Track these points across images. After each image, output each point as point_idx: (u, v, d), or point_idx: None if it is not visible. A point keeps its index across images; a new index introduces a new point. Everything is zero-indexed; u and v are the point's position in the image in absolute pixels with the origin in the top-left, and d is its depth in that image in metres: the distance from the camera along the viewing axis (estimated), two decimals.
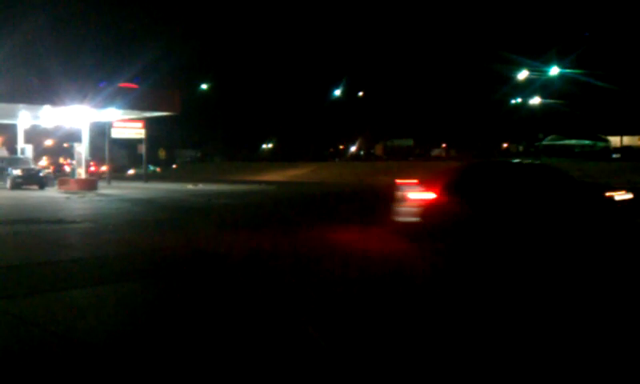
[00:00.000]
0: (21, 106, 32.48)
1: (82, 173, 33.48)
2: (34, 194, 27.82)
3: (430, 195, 11.93)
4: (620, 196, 12.26)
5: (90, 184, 32.21)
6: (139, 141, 46.68)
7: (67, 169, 41.17)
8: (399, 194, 12.47)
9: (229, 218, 17.84)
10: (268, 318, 6.37)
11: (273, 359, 5.09)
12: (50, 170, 39.73)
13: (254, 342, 5.55)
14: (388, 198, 13.27)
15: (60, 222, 15.70)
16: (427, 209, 11.81)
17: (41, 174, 33.06)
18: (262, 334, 5.79)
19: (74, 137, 37.64)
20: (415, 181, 12.87)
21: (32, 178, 32.33)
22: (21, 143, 37.91)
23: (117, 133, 42.13)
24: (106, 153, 43.16)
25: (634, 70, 57.08)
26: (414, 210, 12.00)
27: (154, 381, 4.64)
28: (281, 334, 5.75)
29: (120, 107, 33.65)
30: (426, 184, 12.39)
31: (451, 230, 11.43)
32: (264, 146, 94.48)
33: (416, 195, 12.02)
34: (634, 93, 57.23)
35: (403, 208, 12.30)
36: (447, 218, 11.48)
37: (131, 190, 32.93)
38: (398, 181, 13.35)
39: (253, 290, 7.77)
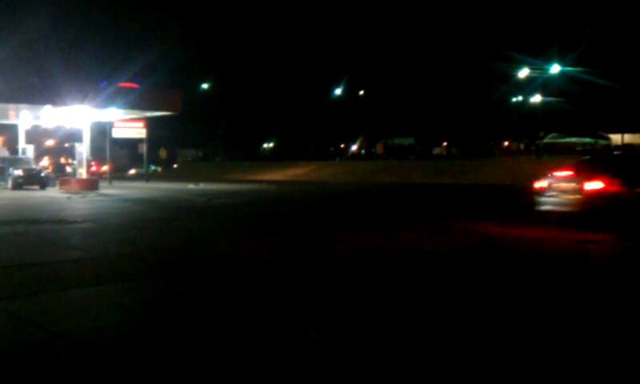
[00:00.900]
0: (22, 106, 32.51)
1: (83, 173, 33.51)
2: (35, 194, 27.84)
3: (596, 185, 12.37)
4: None
5: (91, 184, 32.24)
6: (140, 140, 46.73)
7: (68, 169, 41.17)
8: (560, 185, 13.15)
9: (229, 219, 17.85)
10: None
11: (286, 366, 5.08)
12: (49, 170, 39.73)
13: (260, 346, 5.54)
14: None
15: (61, 222, 15.70)
16: (594, 198, 12.33)
17: (42, 174, 33.10)
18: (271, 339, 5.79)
19: (75, 137, 37.66)
20: (570, 172, 13.45)
21: (33, 178, 32.37)
22: (22, 143, 37.95)
23: (118, 133, 42.17)
24: (107, 152, 43.19)
25: (635, 68, 56.99)
26: (574, 199, 12.66)
27: (157, 382, 4.64)
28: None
29: (121, 107, 33.68)
30: (586, 174, 12.88)
31: (630, 220, 11.92)
32: (265, 145, 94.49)
33: (591, 185, 12.52)
34: (635, 90, 57.15)
35: (557, 198, 13.00)
36: (623, 207, 12.01)
37: (132, 189, 32.94)
38: (551, 172, 14.06)
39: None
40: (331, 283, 8.02)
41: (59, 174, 39.62)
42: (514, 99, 67.78)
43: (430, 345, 5.40)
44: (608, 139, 63.85)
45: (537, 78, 55.43)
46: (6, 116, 36.40)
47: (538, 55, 51.12)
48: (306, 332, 5.64)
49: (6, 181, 32.14)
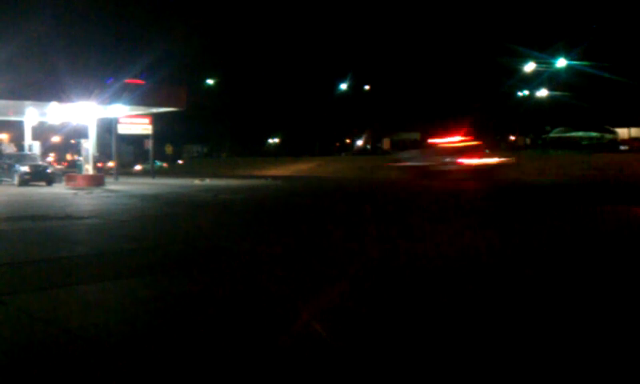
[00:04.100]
0: (28, 102, 32.58)
1: (89, 169, 33.58)
2: (41, 191, 27.91)
3: None
4: None
5: (97, 180, 32.31)
6: (146, 136, 46.77)
7: (57, 165, 41.26)
8: None
9: (236, 215, 17.85)
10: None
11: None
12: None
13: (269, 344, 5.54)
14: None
15: (68, 218, 15.73)
16: None
17: (48, 171, 33.22)
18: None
19: (81, 133, 37.74)
20: None
21: (39, 175, 32.48)
22: (28, 140, 38.05)
23: (123, 129, 42.23)
24: (113, 149, 43.27)
25: None
26: None
27: (165, 379, 4.63)
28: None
29: (127, 103, 33.71)
30: None
31: None
32: (270, 140, 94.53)
33: None
34: None
35: None
36: None
37: (138, 185, 33.00)
38: None
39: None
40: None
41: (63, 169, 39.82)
42: (520, 93, 67.62)
43: None
44: (614, 133, 63.63)
45: (543, 72, 55.27)
46: (12, 112, 36.49)
47: (545, 49, 50.95)
48: (313, 329, 5.63)
49: (12, 177, 32.26)
